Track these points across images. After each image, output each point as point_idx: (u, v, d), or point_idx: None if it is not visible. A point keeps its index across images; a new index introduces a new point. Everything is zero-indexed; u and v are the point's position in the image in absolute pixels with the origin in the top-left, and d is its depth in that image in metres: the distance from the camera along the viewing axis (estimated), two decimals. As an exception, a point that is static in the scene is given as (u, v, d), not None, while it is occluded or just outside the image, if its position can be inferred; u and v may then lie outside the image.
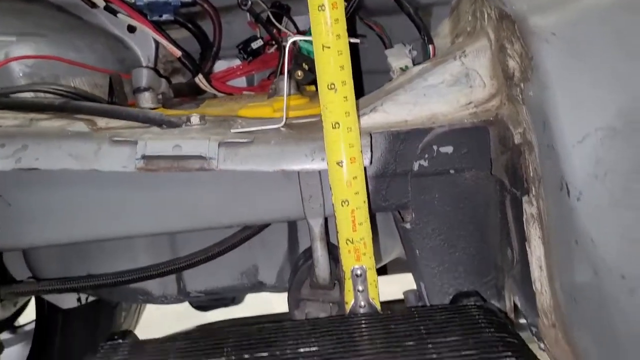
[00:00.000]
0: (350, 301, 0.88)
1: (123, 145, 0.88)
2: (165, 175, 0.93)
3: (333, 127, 0.85)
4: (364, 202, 0.87)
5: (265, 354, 0.77)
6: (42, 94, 1.12)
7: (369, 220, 0.88)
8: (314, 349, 0.77)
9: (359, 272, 0.87)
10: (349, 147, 0.85)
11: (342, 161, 0.85)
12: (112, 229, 0.98)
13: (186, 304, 1.73)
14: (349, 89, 0.85)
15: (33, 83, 1.12)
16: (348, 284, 0.88)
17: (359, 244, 0.87)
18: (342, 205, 0.86)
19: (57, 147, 0.88)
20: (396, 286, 1.25)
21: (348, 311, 0.88)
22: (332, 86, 0.84)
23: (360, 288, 0.87)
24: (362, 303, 0.88)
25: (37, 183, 0.94)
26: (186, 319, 1.90)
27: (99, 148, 0.87)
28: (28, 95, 1.11)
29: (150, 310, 2.13)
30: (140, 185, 0.95)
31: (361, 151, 0.86)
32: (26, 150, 0.87)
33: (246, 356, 0.77)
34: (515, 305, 0.95)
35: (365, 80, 1.50)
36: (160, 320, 2.22)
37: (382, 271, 1.51)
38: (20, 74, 1.19)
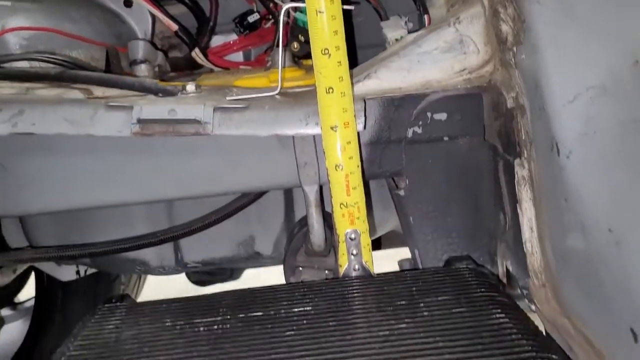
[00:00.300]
0: (344, 264, 0.89)
1: (119, 110, 0.88)
2: (160, 142, 0.94)
3: (327, 92, 0.85)
4: (358, 166, 0.88)
5: (260, 314, 0.78)
6: (38, 65, 1.12)
7: (362, 185, 0.89)
8: (307, 308, 0.78)
9: (352, 235, 0.88)
10: (342, 112, 0.86)
11: (336, 126, 0.86)
12: (108, 196, 0.99)
13: (185, 282, 1.75)
14: (343, 54, 0.85)
15: (29, 52, 1.12)
16: (342, 248, 0.89)
17: (353, 208, 0.88)
18: (336, 170, 0.87)
19: (53, 112, 0.88)
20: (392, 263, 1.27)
21: (342, 274, 0.89)
22: (326, 51, 0.85)
23: (354, 251, 0.89)
24: (356, 266, 0.89)
25: (34, 149, 0.95)
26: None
27: (94, 113, 0.88)
28: (24, 65, 1.11)
29: (149, 287, 2.15)
30: (136, 152, 0.96)
31: (355, 116, 0.87)
32: (22, 115, 0.88)
33: (241, 315, 0.78)
34: (508, 276, 0.96)
35: (361, 55, 1.49)
36: (159, 296, 2.23)
37: (376, 246, 1.52)
38: (17, 47, 1.19)
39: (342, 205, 0.88)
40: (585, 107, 0.69)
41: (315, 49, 0.85)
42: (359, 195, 0.88)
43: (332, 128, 0.86)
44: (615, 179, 0.63)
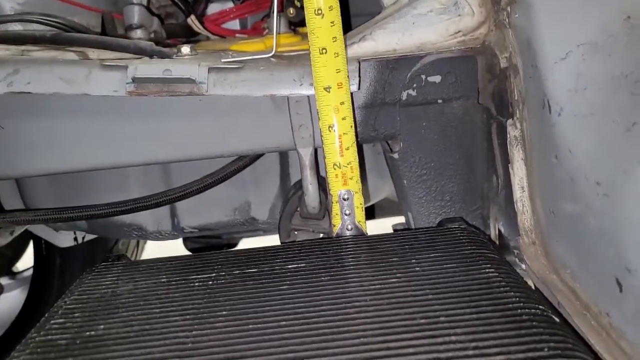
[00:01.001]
0: (337, 224, 0.90)
1: (114, 70, 0.88)
2: (156, 104, 0.95)
3: (320, 53, 0.86)
4: (351, 127, 0.88)
5: (254, 270, 0.79)
6: (33, 28, 1.12)
7: (355, 145, 0.89)
8: (301, 264, 0.79)
9: (345, 196, 0.89)
10: (336, 73, 0.86)
11: (329, 87, 0.86)
12: (104, 159, 1.00)
13: (183, 251, 1.76)
14: (336, 14, 0.85)
15: (24, 13, 1.12)
16: (335, 208, 0.90)
17: (346, 169, 0.89)
18: (330, 131, 0.88)
19: (48, 72, 0.88)
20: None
21: (335, 234, 0.91)
22: (319, 11, 0.85)
23: (347, 211, 0.90)
24: (349, 226, 0.90)
25: (30, 111, 0.95)
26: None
27: (89, 72, 0.88)
28: (20, 28, 1.11)
29: (147, 257, 2.17)
30: (132, 114, 0.96)
31: (348, 77, 0.87)
32: (18, 75, 0.88)
33: (236, 272, 0.79)
34: (500, 239, 0.97)
35: (358, 25, 1.49)
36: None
37: (369, 215, 1.53)
38: (12, 12, 1.19)
39: (335, 166, 0.88)
40: (576, 64, 0.69)
41: (308, 9, 0.85)
42: (352, 155, 0.89)
43: (325, 89, 0.86)
44: (604, 133, 0.64)
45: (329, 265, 0.78)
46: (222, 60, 0.94)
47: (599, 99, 0.66)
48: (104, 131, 0.98)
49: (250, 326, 0.64)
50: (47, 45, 1.03)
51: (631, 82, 0.62)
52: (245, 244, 1.84)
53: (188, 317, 0.67)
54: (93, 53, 1.01)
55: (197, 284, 0.77)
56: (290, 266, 0.79)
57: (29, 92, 0.88)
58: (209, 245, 1.73)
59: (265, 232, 1.38)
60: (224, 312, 0.67)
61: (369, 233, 0.92)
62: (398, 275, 0.73)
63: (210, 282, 0.76)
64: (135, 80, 0.86)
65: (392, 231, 1.24)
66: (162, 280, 0.79)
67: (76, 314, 0.71)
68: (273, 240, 1.21)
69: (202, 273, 0.80)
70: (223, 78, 0.88)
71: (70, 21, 1.17)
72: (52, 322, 0.70)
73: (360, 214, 0.90)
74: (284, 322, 0.64)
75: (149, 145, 0.99)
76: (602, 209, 0.61)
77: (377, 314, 0.64)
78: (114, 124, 0.97)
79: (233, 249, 0.88)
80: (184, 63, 0.90)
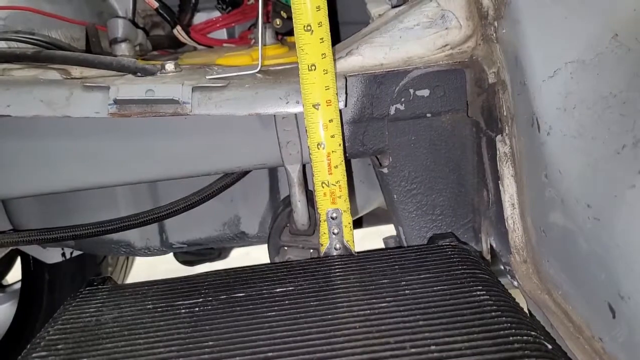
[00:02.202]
0: (325, 243, 0.89)
1: (95, 91, 0.87)
2: (140, 123, 0.93)
3: (309, 70, 0.84)
4: (340, 145, 0.87)
5: (241, 294, 0.78)
6: (15, 45, 1.10)
7: (344, 164, 0.88)
8: (290, 288, 0.78)
9: (334, 214, 0.88)
10: (324, 90, 0.85)
11: (318, 104, 0.85)
12: (89, 179, 0.98)
13: (174, 263, 1.75)
14: (325, 30, 0.84)
15: (5, 32, 1.10)
16: (323, 227, 0.88)
17: (335, 187, 0.87)
18: (318, 148, 0.86)
19: (28, 93, 0.86)
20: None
21: (323, 253, 0.89)
22: (308, 27, 0.83)
23: (335, 230, 0.88)
24: (337, 245, 0.89)
25: (10, 131, 0.94)
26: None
27: (70, 94, 0.86)
28: (2, 45, 1.09)
29: (138, 269, 2.15)
30: (116, 133, 0.95)
31: (337, 94, 0.86)
32: (-3, 97, 0.86)
33: (222, 297, 0.78)
34: (492, 253, 0.96)
35: (346, 32, 1.48)
36: (149, 275, 2.23)
37: (357, 224, 1.52)
38: (-6, 30, 1.17)
39: (323, 184, 0.87)
40: (565, 82, 0.68)
41: (297, 25, 0.83)
42: (340, 173, 0.87)
43: (314, 106, 0.85)
44: (594, 154, 0.62)
45: (317, 288, 0.77)
46: (207, 77, 0.92)
47: (588, 118, 0.64)
48: (88, 151, 0.96)
49: (237, 358, 0.62)
50: (28, 63, 1.01)
51: (620, 102, 0.61)
52: (236, 252, 1.83)
53: (173, 348, 0.66)
54: (75, 70, 0.99)
55: (183, 310, 0.75)
56: (278, 290, 0.78)
57: (9, 115, 0.86)
58: (200, 256, 1.71)
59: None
60: (210, 343, 0.66)
61: (361, 239, 0.91)
62: (387, 299, 0.72)
63: (197, 309, 0.75)
64: (117, 101, 0.85)
65: (382, 243, 1.24)
66: (148, 306, 0.77)
67: (59, 346, 0.69)
68: (264, 248, 1.19)
69: (188, 298, 0.79)
70: (207, 97, 0.87)
71: (52, 38, 1.15)
72: (34, 355, 0.68)
73: (348, 233, 0.89)
74: (271, 354, 0.62)
75: (134, 164, 0.97)
76: (593, 232, 0.60)
77: (366, 342, 0.63)
78: (99, 144, 0.96)
79: (220, 271, 0.87)
80: (167, 82, 0.88)
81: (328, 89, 0.85)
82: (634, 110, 0.59)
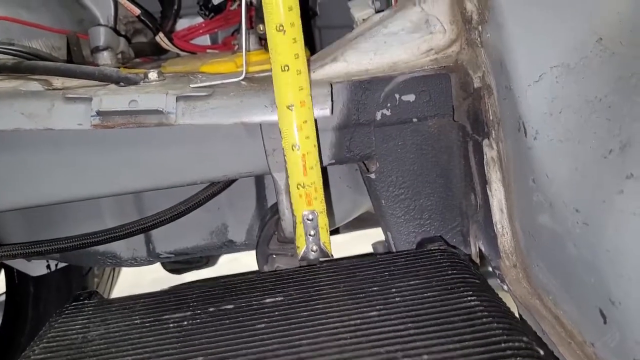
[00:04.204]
0: (302, 246, 0.88)
1: (77, 102, 0.85)
2: (125, 133, 0.91)
3: (282, 70, 0.83)
4: (314, 146, 0.86)
5: (230, 306, 0.77)
6: (-5, 56, 1.08)
7: (319, 165, 0.87)
8: (279, 298, 0.77)
9: (310, 216, 0.87)
10: (298, 90, 0.84)
11: (292, 105, 0.84)
12: (73, 191, 0.97)
13: (161, 272, 1.73)
14: (298, 30, 0.83)
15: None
16: (299, 229, 0.87)
17: (310, 189, 0.87)
18: (293, 150, 0.86)
19: (8, 106, 0.85)
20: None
21: (300, 256, 0.89)
22: (281, 28, 0.82)
23: (312, 232, 0.87)
24: (314, 247, 0.88)
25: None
26: (162, 286, 1.89)
27: (52, 106, 0.85)
28: (-20, 57, 1.07)
29: (126, 278, 2.13)
30: (100, 145, 0.94)
31: (310, 94, 0.85)
32: (-23, 111, 0.84)
33: (212, 309, 0.77)
34: (481, 256, 0.96)
35: (330, 36, 1.47)
36: (135, 286, 2.21)
37: (334, 230, 1.51)
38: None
39: (299, 186, 0.86)
40: (550, 87, 0.68)
41: (269, 25, 0.83)
42: (316, 175, 0.87)
43: (288, 107, 0.84)
44: (582, 158, 0.62)
45: (307, 298, 0.76)
46: (191, 85, 0.91)
47: (574, 123, 0.64)
48: (72, 163, 0.95)
49: (227, 373, 0.62)
50: (8, 74, 1.00)
51: (605, 106, 0.61)
52: (225, 257, 1.81)
53: (162, 365, 0.65)
54: (57, 81, 0.97)
55: (171, 324, 0.74)
56: (267, 300, 0.77)
57: (-11, 129, 0.84)
58: (188, 264, 1.70)
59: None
60: (200, 358, 0.65)
61: (351, 240, 0.90)
62: (378, 307, 0.71)
63: (185, 323, 0.74)
64: (100, 113, 0.83)
65: (372, 248, 1.23)
66: (136, 322, 0.76)
67: (45, 365, 0.68)
68: (253, 254, 1.18)
69: (176, 312, 0.77)
70: (192, 107, 0.86)
71: (32, 48, 1.13)
72: (20, 375, 0.67)
73: (325, 235, 0.88)
74: (261, 368, 0.62)
75: (119, 175, 0.96)
76: (582, 237, 0.60)
77: (357, 354, 0.62)
78: (82, 155, 0.94)
79: (208, 281, 0.86)
80: (151, 92, 0.87)
81: (302, 89, 0.84)
82: (619, 115, 0.59)
